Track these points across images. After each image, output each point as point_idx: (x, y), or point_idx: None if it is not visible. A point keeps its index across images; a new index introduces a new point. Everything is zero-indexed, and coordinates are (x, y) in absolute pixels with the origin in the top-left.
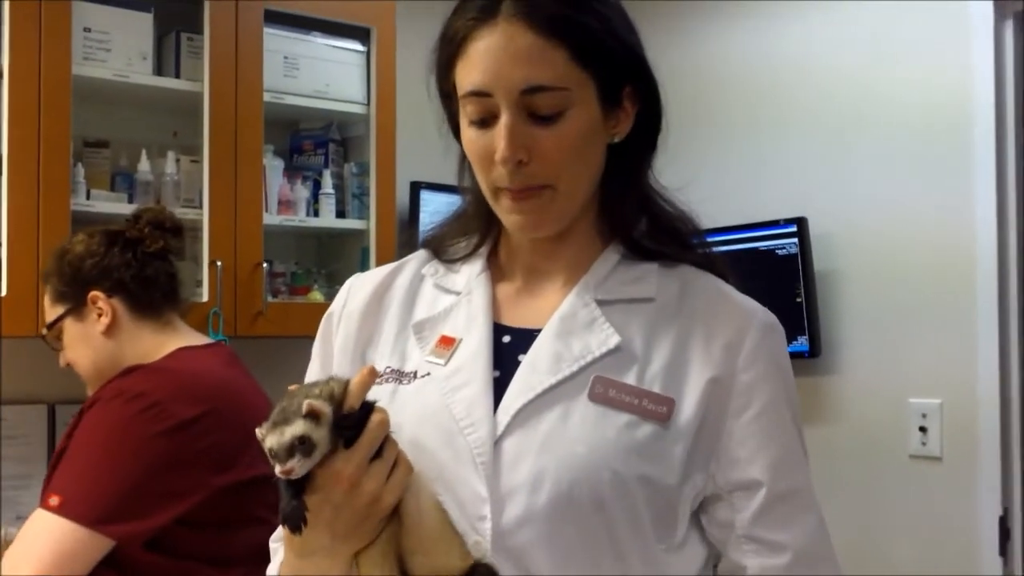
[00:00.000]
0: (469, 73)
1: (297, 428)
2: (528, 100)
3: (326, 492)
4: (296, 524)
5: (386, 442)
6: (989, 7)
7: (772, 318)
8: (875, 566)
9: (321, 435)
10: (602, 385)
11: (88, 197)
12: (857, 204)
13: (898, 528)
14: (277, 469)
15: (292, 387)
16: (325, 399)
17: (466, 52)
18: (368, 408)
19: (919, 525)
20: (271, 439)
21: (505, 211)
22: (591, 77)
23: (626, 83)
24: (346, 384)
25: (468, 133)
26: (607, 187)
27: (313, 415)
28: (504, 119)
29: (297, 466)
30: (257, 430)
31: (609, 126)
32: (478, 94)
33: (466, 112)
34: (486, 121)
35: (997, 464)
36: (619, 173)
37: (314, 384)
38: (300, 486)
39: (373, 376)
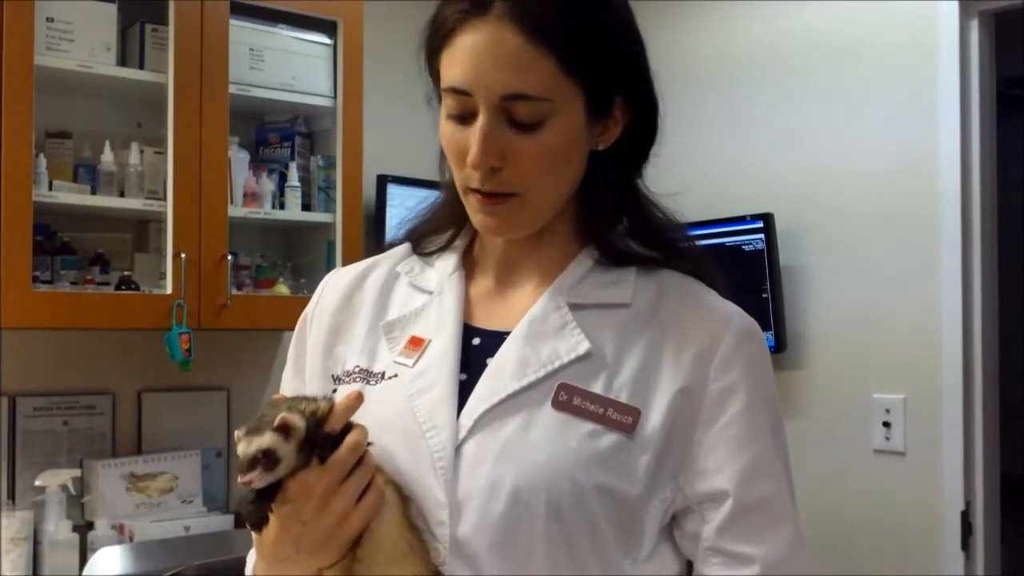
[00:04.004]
0: (451, 67)
1: (264, 441)
2: (508, 106)
3: (295, 506)
4: (255, 524)
5: (360, 464)
6: (955, 6)
7: (750, 323)
8: (838, 560)
9: (288, 450)
10: (567, 392)
11: (51, 188)
12: (823, 201)
13: (861, 522)
14: (239, 477)
15: (276, 396)
16: (305, 415)
17: (452, 44)
18: (348, 430)
19: (882, 520)
20: (241, 446)
21: (473, 210)
22: (579, 87)
23: (618, 93)
24: (333, 404)
25: (445, 127)
26: (587, 190)
27: (284, 429)
28: (480, 122)
29: (256, 478)
30: (236, 432)
31: (595, 134)
32: (458, 91)
33: (446, 105)
34: (464, 118)
35: (960, 459)
36: (602, 178)
37: (302, 399)
38: (271, 493)
39: (359, 401)
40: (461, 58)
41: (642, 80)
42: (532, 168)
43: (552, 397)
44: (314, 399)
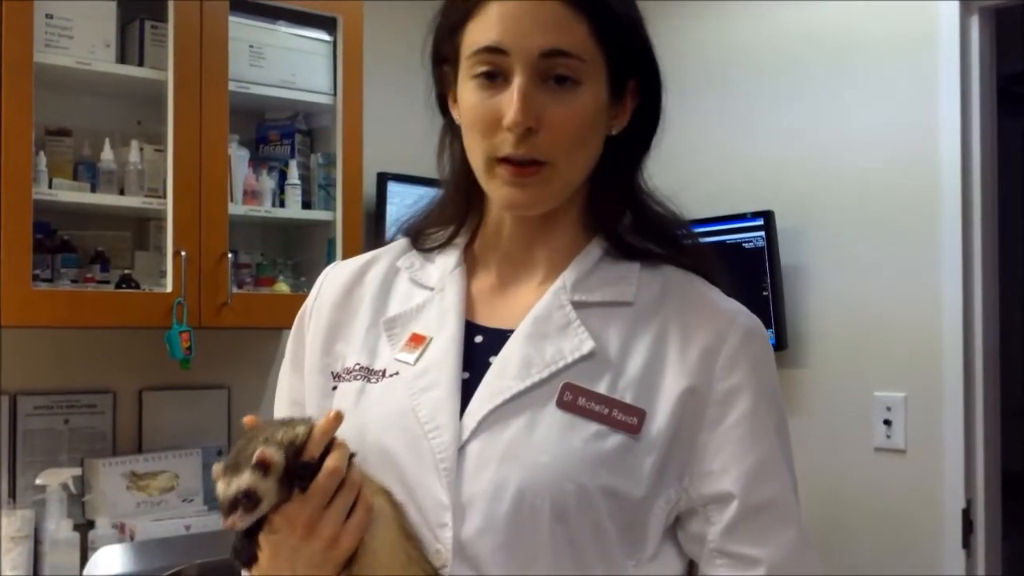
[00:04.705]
0: (485, 30)
1: (243, 480)
2: (545, 64)
3: (283, 535)
4: (245, 563)
5: (344, 485)
6: (955, 3)
7: (754, 322)
8: (839, 558)
9: (268, 487)
10: (571, 393)
11: (50, 186)
12: (824, 198)
13: (862, 521)
14: (220, 521)
15: (247, 419)
16: (284, 445)
17: (483, 11)
18: (329, 450)
19: (883, 518)
20: (220, 486)
21: (499, 183)
22: (605, 59)
23: (632, 76)
24: (311, 428)
25: (471, 96)
26: (596, 181)
27: (262, 466)
28: (518, 82)
29: (238, 520)
30: (215, 466)
31: (610, 116)
32: (493, 50)
33: (471, 72)
34: (494, 77)
35: (961, 457)
36: (609, 168)
37: (280, 425)
38: (257, 527)
39: (338, 422)
40: (496, 20)
41: (652, 65)
42: (564, 133)
43: (557, 397)
44: (292, 424)
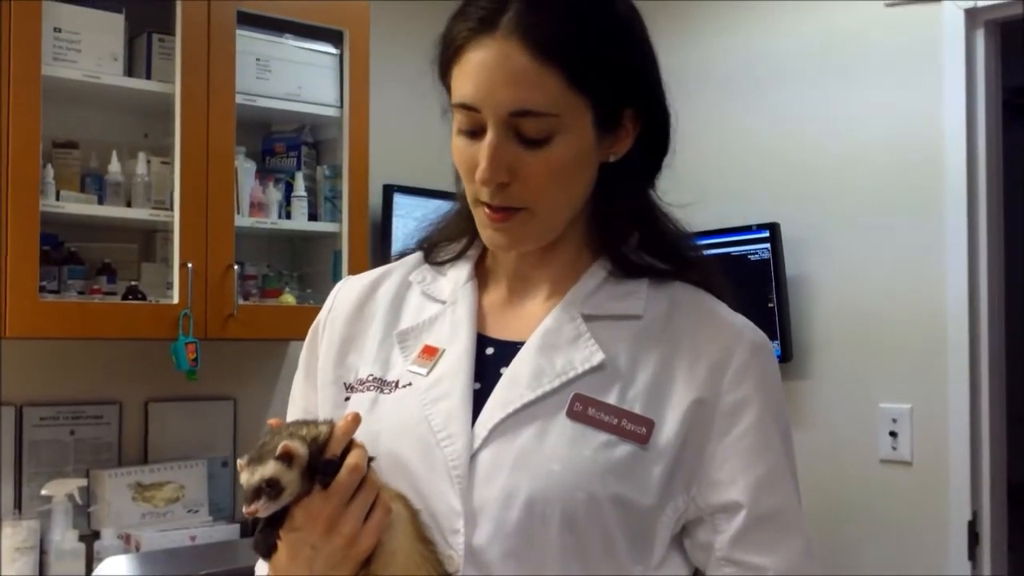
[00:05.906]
0: (462, 84)
1: (267, 470)
2: (516, 122)
3: (304, 532)
4: (264, 553)
5: (364, 484)
6: (960, 15)
7: (761, 337)
8: (844, 570)
9: (291, 478)
10: (581, 403)
11: (58, 198)
12: (829, 209)
13: (868, 532)
14: (243, 508)
15: (272, 421)
16: (307, 441)
17: (461, 60)
18: (349, 451)
19: (889, 530)
20: (244, 476)
21: (482, 225)
22: (588, 102)
23: (627, 106)
24: (333, 427)
25: (456, 141)
26: (599, 201)
27: (286, 457)
28: (489, 138)
29: (261, 508)
30: (239, 461)
31: (605, 147)
32: (467, 107)
33: (456, 121)
34: (474, 134)
35: (967, 469)
36: (614, 189)
37: (302, 424)
38: (278, 521)
39: (356, 423)
40: (469, 75)
41: (651, 92)
42: (541, 183)
43: (567, 407)
44: (315, 423)
